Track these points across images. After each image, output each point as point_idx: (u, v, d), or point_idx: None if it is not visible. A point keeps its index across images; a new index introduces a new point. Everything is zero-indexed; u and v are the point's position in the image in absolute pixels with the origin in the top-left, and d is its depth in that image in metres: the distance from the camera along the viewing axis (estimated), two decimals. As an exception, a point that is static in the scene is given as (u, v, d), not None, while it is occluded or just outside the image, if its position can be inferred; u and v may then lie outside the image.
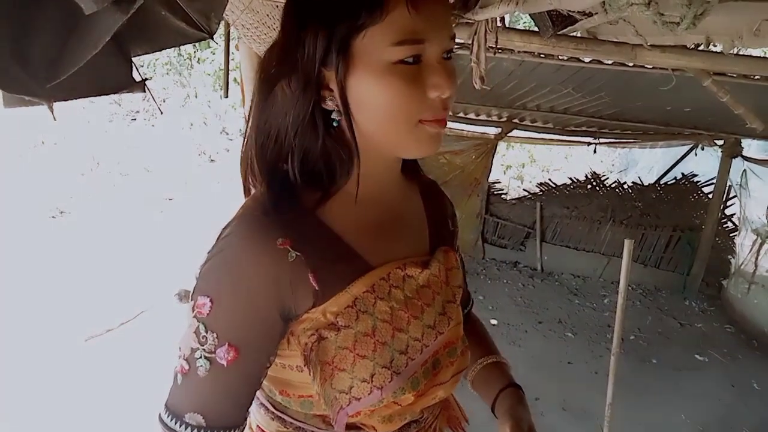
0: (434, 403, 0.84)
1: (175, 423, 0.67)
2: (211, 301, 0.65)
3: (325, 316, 0.70)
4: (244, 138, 0.75)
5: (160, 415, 0.69)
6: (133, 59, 0.95)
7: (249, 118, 0.73)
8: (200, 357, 0.65)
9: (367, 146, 0.71)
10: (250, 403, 0.72)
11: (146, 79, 0.91)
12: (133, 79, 0.89)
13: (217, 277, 0.67)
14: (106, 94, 0.89)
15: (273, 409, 0.81)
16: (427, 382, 0.77)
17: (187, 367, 0.66)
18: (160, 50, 0.92)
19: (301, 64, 0.66)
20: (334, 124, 0.69)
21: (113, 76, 0.85)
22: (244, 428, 0.72)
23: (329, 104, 0.68)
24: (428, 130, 0.69)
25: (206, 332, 0.65)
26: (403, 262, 0.79)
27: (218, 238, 0.69)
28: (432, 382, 0.79)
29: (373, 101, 0.66)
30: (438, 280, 0.84)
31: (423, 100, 0.67)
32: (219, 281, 0.66)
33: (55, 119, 0.77)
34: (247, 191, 0.77)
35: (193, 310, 0.66)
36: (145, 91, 0.89)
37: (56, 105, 0.80)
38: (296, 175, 0.70)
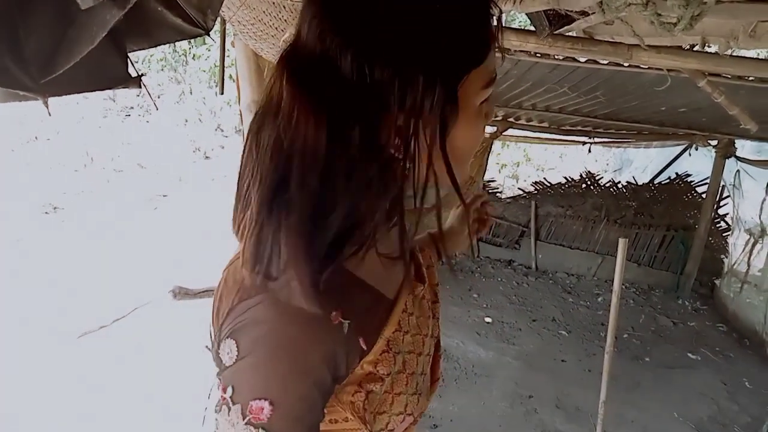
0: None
1: None
2: (271, 404, 0.55)
3: (363, 368, 0.63)
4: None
5: None
6: (129, 55, 0.94)
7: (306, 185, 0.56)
8: None
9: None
10: None
11: (142, 74, 0.90)
12: (129, 74, 0.89)
13: (271, 374, 0.57)
14: (102, 90, 0.88)
15: None
16: (431, 386, 0.79)
17: None
18: (156, 46, 0.92)
19: (376, 113, 0.55)
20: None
21: (109, 72, 0.85)
22: None
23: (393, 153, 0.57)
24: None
25: None
26: (411, 285, 0.75)
27: (245, 320, 0.58)
28: (432, 379, 0.81)
29: (460, 145, 0.60)
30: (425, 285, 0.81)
31: None
32: (276, 379, 0.57)
33: (49, 114, 0.77)
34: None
35: (245, 417, 0.55)
36: (140, 87, 0.89)
37: (50, 100, 0.79)
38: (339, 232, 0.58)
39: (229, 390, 0.57)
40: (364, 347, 0.62)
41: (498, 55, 0.59)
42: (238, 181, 0.62)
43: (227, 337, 0.58)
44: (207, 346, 0.67)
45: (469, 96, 0.58)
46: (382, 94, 0.53)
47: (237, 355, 0.57)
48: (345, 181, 0.55)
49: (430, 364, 0.78)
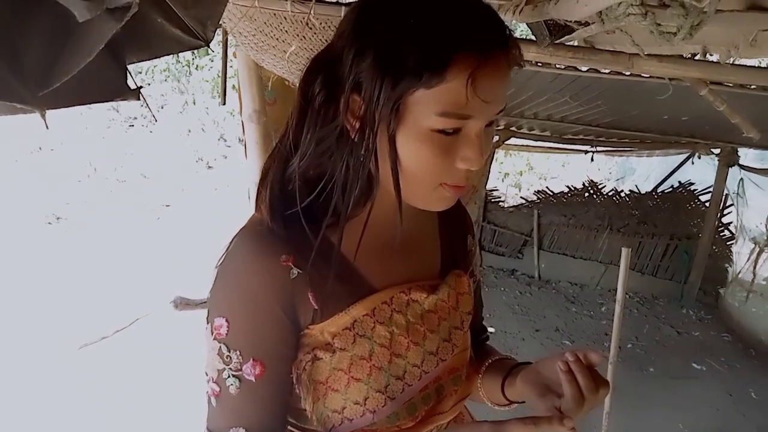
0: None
1: None
2: (227, 321, 0.66)
3: (323, 335, 0.70)
4: (275, 149, 0.73)
5: None
6: (129, 66, 0.94)
7: (285, 133, 0.71)
8: (228, 376, 0.67)
9: (387, 185, 0.68)
10: (287, 410, 0.73)
11: (141, 87, 0.90)
12: (128, 86, 0.89)
13: (227, 296, 0.68)
14: (100, 102, 0.88)
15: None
16: (428, 410, 0.76)
17: (218, 389, 0.68)
18: (156, 58, 0.92)
19: (347, 94, 0.63)
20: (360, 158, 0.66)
21: (107, 84, 0.85)
22: None
23: (355, 135, 0.65)
24: (445, 193, 0.68)
25: (229, 352, 0.67)
26: (408, 287, 0.77)
27: (224, 253, 0.70)
28: (434, 410, 0.77)
29: (402, 158, 0.64)
30: (446, 305, 0.81)
31: (449, 169, 0.65)
32: (230, 301, 0.68)
33: (47, 127, 0.77)
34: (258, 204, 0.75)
35: (212, 333, 0.67)
36: (139, 99, 0.89)
37: (52, 111, 0.79)
38: (312, 195, 0.68)
39: (206, 313, 0.69)
40: (315, 306, 0.69)
41: (474, 95, 0.59)
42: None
43: (214, 268, 0.70)
44: None
45: (416, 114, 0.61)
46: (355, 77, 0.62)
47: (213, 282, 0.69)
48: (324, 151, 0.67)
49: (423, 381, 0.76)
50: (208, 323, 0.68)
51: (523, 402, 0.85)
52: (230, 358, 0.66)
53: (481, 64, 0.59)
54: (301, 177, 0.68)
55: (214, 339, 0.67)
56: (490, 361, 0.93)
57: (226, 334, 0.66)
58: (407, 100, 0.60)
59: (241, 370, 0.66)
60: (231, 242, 0.70)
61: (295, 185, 0.68)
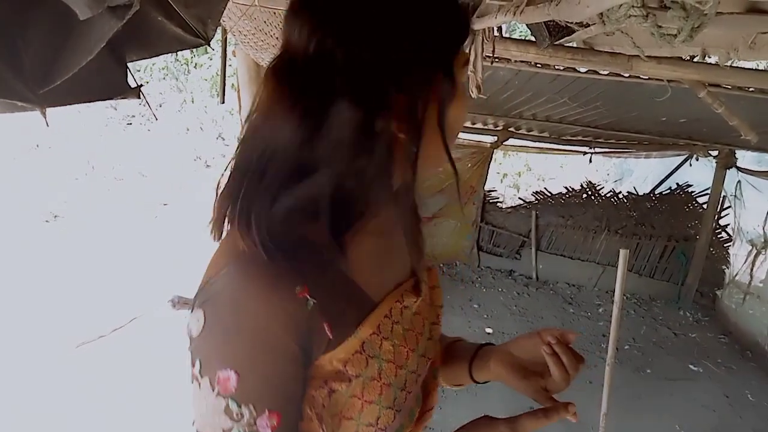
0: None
1: None
2: (236, 373, 0.57)
3: (332, 363, 0.63)
4: (236, 160, 0.62)
5: None
6: (129, 64, 0.94)
7: (243, 134, 0.62)
8: None
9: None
10: None
11: (141, 85, 0.90)
12: (128, 84, 0.89)
13: (232, 344, 0.58)
14: (101, 100, 0.88)
15: None
16: (420, 409, 0.76)
17: None
18: (156, 56, 0.92)
19: (389, 95, 0.58)
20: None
21: (108, 82, 0.85)
22: None
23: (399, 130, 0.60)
24: None
25: (240, 408, 0.57)
26: (400, 293, 0.74)
27: (209, 290, 0.59)
28: (424, 408, 0.78)
29: (451, 122, 0.63)
30: (424, 303, 0.80)
31: None
32: (238, 349, 0.58)
33: (47, 125, 0.76)
34: (219, 230, 0.64)
35: (214, 389, 0.57)
36: (139, 98, 0.89)
37: (50, 109, 0.79)
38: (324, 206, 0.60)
39: (197, 364, 0.58)
40: (330, 335, 0.61)
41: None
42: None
43: (197, 307, 0.59)
44: None
45: (456, 74, 0.63)
46: (378, 80, 0.57)
47: (203, 326, 0.58)
48: (347, 148, 0.58)
49: (418, 384, 0.75)
50: (203, 376, 0.57)
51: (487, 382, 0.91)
52: (241, 414, 0.57)
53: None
54: (325, 193, 0.59)
55: (218, 395, 0.57)
56: (443, 345, 0.95)
57: (236, 389, 0.57)
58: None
59: (255, 425, 0.58)
60: (218, 277, 0.59)
61: (288, 203, 0.59)
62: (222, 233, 0.64)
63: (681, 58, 1.92)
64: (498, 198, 6.38)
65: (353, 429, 0.67)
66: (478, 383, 0.93)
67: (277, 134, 0.57)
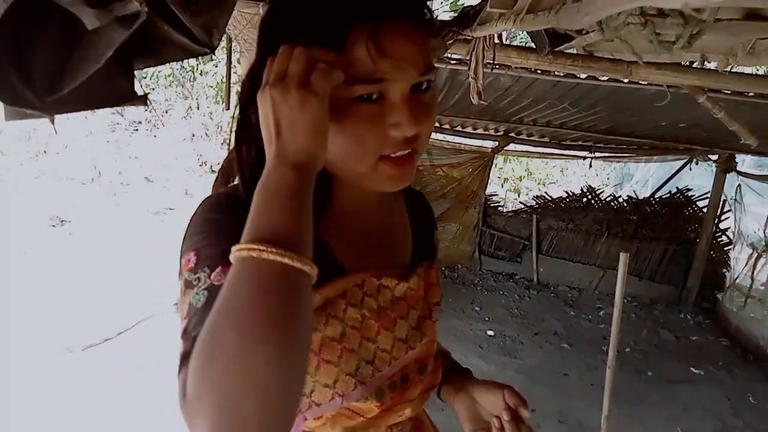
0: (402, 421, 0.82)
1: None
2: (195, 251, 0.65)
3: None
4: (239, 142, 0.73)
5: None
6: (135, 72, 0.96)
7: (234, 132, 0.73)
8: (197, 294, 0.62)
9: (347, 176, 0.70)
10: None
11: (148, 92, 0.91)
12: (135, 92, 0.90)
13: (192, 233, 0.67)
14: (108, 107, 0.89)
15: None
16: (393, 396, 0.76)
17: (187, 319, 0.62)
18: (162, 64, 0.93)
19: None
20: None
21: (115, 90, 0.86)
22: None
23: None
24: (389, 171, 0.66)
25: (197, 273, 0.63)
26: (380, 272, 0.78)
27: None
28: (399, 398, 0.77)
29: (332, 137, 0.61)
30: (415, 294, 0.83)
31: (383, 139, 0.64)
32: (196, 234, 0.67)
33: (56, 132, 0.78)
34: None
35: (181, 274, 0.65)
36: (146, 104, 0.90)
37: (57, 116, 0.80)
38: None
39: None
40: None
41: (379, 56, 0.59)
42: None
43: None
44: None
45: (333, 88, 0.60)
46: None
47: (182, 241, 0.68)
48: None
49: (393, 367, 0.77)
50: (180, 275, 0.65)
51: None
52: (199, 279, 0.62)
53: (378, 26, 0.59)
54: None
55: (181, 277, 0.64)
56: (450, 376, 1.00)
57: (194, 263, 0.63)
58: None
59: (210, 279, 0.61)
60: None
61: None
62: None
63: (680, 63, 1.93)
64: (499, 202, 6.39)
65: (309, 386, 0.70)
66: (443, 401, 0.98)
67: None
